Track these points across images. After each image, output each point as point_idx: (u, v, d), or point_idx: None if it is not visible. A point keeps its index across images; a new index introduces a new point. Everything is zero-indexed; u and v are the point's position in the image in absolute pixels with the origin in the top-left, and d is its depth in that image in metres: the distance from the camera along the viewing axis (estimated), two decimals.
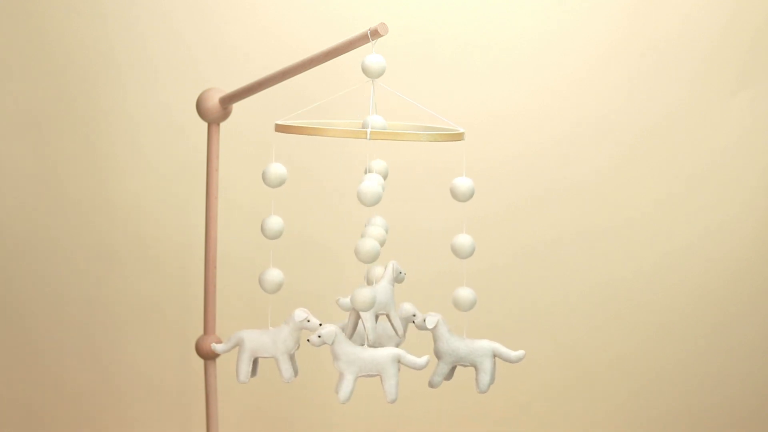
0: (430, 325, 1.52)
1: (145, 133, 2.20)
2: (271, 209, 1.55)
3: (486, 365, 1.51)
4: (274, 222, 1.55)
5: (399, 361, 1.49)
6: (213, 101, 1.78)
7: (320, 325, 1.53)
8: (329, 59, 1.58)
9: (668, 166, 2.25)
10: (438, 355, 1.53)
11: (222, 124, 1.86)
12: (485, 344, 1.53)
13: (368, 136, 1.41)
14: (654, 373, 2.30)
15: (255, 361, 1.58)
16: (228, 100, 1.78)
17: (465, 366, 1.52)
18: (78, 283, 2.22)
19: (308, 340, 1.49)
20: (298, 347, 1.57)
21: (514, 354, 1.52)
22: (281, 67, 1.67)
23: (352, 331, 1.55)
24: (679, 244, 2.27)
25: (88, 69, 2.17)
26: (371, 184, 1.43)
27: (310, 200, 2.19)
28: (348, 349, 1.49)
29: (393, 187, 1.63)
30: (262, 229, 1.55)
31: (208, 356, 1.85)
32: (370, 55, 1.46)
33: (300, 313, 1.54)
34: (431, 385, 1.53)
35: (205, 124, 1.84)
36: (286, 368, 1.55)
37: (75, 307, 2.23)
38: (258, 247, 2.14)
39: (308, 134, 1.47)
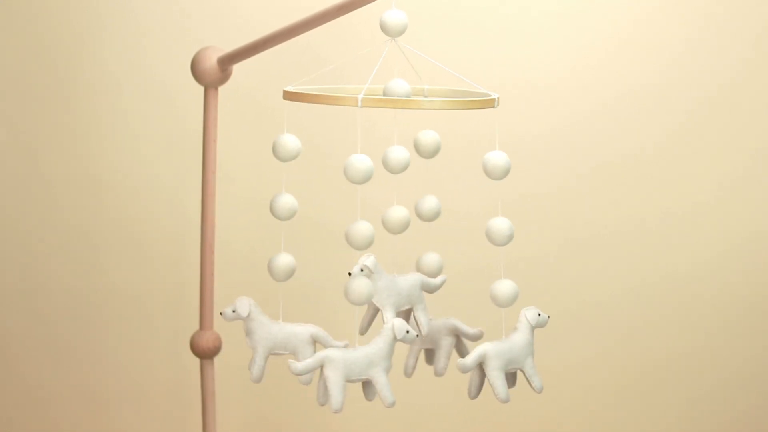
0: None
1: (132, 99, 2.19)
2: (282, 186, 1.56)
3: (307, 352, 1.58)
4: (286, 201, 1.56)
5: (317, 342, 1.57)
6: (210, 62, 1.78)
7: (417, 336, 1.53)
8: (343, 14, 1.58)
9: (732, 140, 2.24)
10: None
11: (221, 89, 1.85)
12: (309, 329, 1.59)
13: (426, 105, 1.44)
14: (719, 376, 2.30)
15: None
16: (227, 61, 1.77)
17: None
18: (56, 273, 2.22)
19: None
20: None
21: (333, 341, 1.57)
22: (289, 23, 1.67)
23: (367, 326, 1.59)
24: (746, 230, 2.26)
25: (67, 27, 2.16)
26: (361, 157, 1.46)
27: (319, 176, 2.20)
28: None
29: (415, 165, 1.62)
30: (272, 209, 1.56)
31: (204, 355, 1.86)
32: (389, 10, 1.48)
33: (401, 325, 1.51)
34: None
35: (201, 89, 1.83)
36: (388, 389, 1.52)
37: (52, 300, 2.23)
38: (262, 229, 2.22)
39: (326, 104, 1.47)
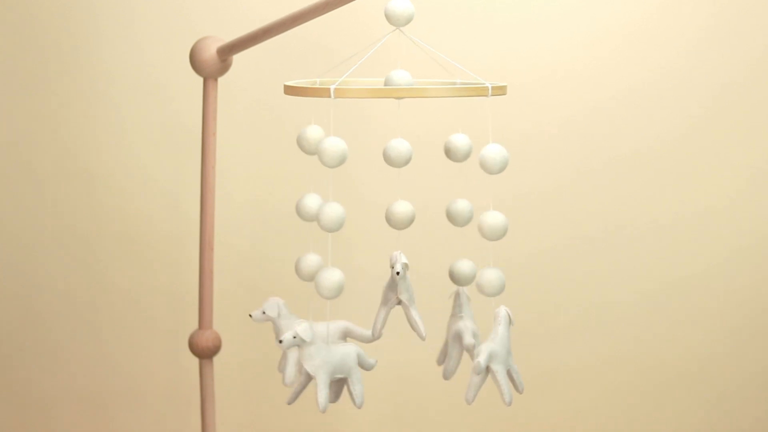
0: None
1: (127, 91, 2.19)
2: (310, 185, 1.55)
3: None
4: (313, 201, 1.56)
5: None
6: (210, 52, 1.78)
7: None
8: (347, 2, 1.58)
9: (748, 137, 2.23)
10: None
11: (220, 81, 1.86)
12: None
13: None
14: (731, 378, 2.30)
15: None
16: (227, 51, 1.77)
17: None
18: (54, 271, 2.22)
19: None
20: None
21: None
22: (290, 12, 1.67)
23: (381, 326, 1.57)
24: (760, 229, 2.26)
25: (61, 19, 2.16)
26: (401, 142, 1.49)
27: (318, 172, 2.16)
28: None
29: (417, 160, 1.63)
30: (298, 210, 1.56)
31: (203, 354, 1.86)
32: None
33: (511, 312, 1.50)
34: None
35: (200, 80, 1.83)
36: (519, 376, 1.53)
37: (50, 299, 2.23)
38: (261, 226, 2.22)
39: (453, 96, 1.48)
